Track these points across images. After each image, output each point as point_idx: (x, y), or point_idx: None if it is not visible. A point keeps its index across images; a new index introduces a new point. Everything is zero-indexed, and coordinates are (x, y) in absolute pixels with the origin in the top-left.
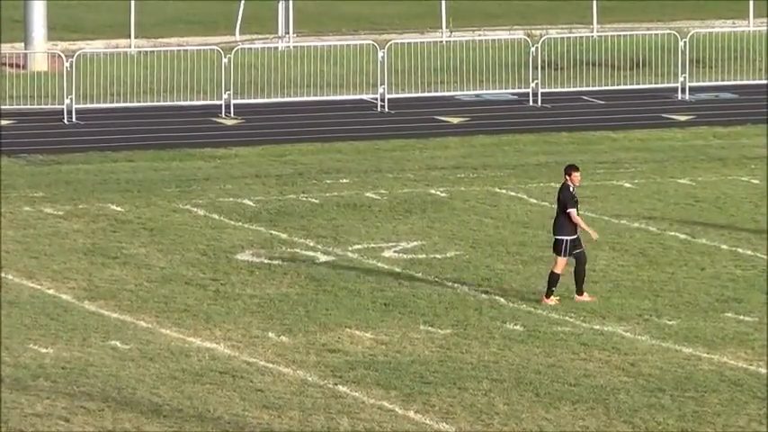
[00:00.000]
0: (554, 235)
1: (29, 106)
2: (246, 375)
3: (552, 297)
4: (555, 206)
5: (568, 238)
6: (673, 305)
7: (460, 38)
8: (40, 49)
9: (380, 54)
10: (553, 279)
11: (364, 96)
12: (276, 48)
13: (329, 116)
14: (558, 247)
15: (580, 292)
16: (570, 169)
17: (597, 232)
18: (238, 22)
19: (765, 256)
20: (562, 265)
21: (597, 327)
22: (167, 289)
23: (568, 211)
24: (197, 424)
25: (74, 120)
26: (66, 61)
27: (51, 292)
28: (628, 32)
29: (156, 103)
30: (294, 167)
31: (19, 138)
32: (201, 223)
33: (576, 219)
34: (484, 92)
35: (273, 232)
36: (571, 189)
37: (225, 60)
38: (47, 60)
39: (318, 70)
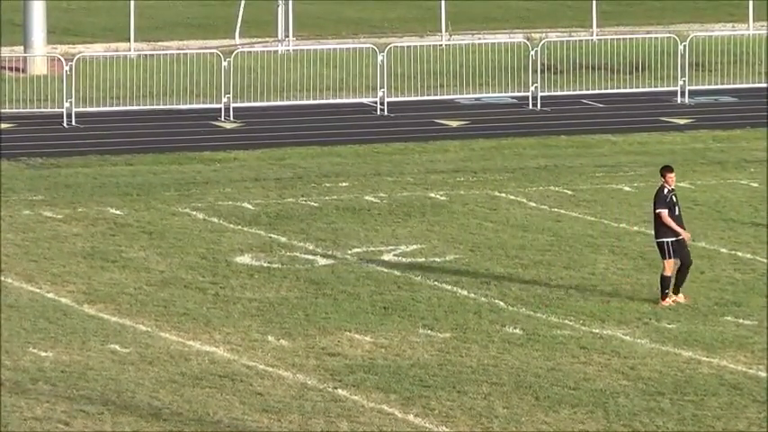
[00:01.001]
0: (655, 238)
1: (28, 110)
2: (246, 379)
3: (667, 299)
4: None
5: (669, 239)
6: (672, 308)
7: (460, 41)
8: (40, 53)
9: (380, 57)
10: (664, 282)
11: (364, 100)
12: (276, 51)
13: (329, 119)
14: (660, 250)
15: (676, 291)
16: (665, 171)
17: (689, 234)
18: (238, 25)
19: (765, 260)
20: (669, 267)
21: (596, 330)
22: (166, 292)
23: (658, 211)
24: (196, 427)
25: (73, 123)
26: (66, 65)
27: (51, 295)
28: (627, 36)
29: (155, 107)
30: (293, 171)
31: (18, 141)
32: (201, 227)
33: (667, 220)
34: (483, 95)
35: (273, 236)
36: (665, 191)
37: (224, 64)
38: (46, 64)
39: (318, 73)
